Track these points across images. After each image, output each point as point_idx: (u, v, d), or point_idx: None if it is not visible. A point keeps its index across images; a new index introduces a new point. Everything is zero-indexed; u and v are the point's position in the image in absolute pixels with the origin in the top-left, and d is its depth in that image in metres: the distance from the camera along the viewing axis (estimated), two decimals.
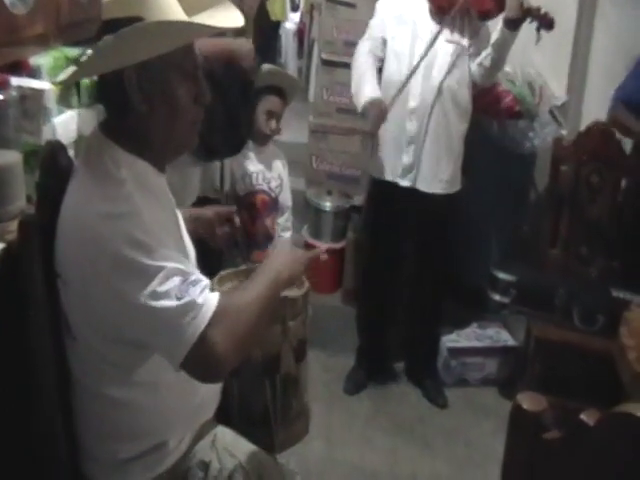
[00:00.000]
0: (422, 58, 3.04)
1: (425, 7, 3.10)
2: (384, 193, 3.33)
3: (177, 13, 1.43)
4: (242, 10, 1.55)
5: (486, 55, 3.07)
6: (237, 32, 2.25)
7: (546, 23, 2.90)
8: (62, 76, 1.49)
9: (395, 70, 3.15)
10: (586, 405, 1.16)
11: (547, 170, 3.57)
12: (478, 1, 3.01)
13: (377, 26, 3.23)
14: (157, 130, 1.51)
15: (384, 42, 3.20)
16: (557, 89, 3.83)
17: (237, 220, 2.08)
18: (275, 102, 2.84)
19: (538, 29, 2.91)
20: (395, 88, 3.11)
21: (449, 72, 3.09)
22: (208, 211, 2.05)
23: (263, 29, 2.28)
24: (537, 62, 3.82)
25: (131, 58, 1.40)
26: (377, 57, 3.22)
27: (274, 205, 2.92)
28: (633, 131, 3.19)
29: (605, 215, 3.24)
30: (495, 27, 3.04)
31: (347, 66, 4.20)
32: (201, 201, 2.62)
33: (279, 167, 2.97)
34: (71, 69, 1.52)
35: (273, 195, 2.91)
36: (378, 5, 3.28)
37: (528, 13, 2.90)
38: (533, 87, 3.78)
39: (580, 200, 3.27)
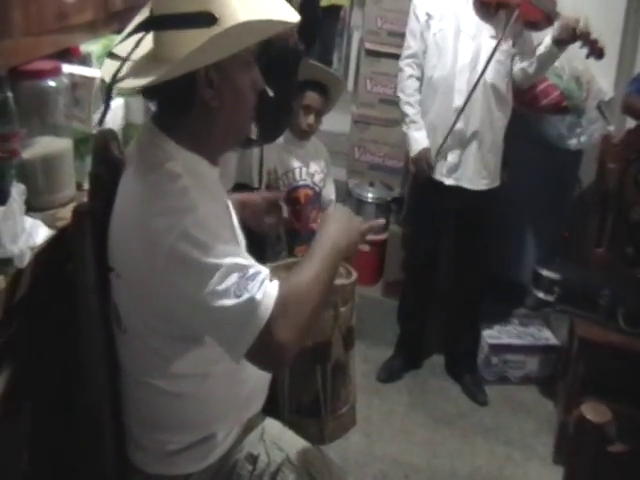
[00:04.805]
0: (484, 71, 3.00)
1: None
2: (426, 188, 3.30)
3: (245, 6, 1.38)
4: None
5: (530, 63, 3.06)
6: None
7: (596, 52, 2.86)
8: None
9: (437, 64, 3.11)
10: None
11: (593, 167, 3.52)
12: (528, 10, 2.94)
13: (416, 35, 3.16)
14: (221, 123, 1.48)
15: (424, 53, 3.15)
16: (604, 84, 3.76)
17: (284, 207, 2.03)
18: (314, 98, 2.78)
19: (587, 56, 2.88)
20: (439, 85, 3.10)
21: (492, 67, 3.03)
22: (255, 196, 2.01)
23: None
24: (584, 56, 3.75)
25: (222, 54, 1.36)
26: (419, 77, 3.20)
27: (318, 199, 2.90)
28: None
29: None
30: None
31: (391, 56, 4.21)
32: (238, 188, 2.57)
33: (322, 161, 2.95)
34: (110, 63, 1.46)
35: (317, 189, 2.89)
36: (413, 4, 3.19)
37: (580, 38, 2.84)
38: (580, 82, 3.71)
39: (627, 199, 3.22)
